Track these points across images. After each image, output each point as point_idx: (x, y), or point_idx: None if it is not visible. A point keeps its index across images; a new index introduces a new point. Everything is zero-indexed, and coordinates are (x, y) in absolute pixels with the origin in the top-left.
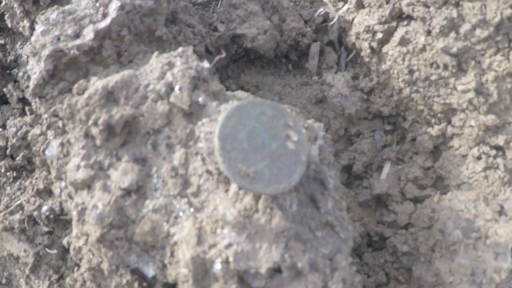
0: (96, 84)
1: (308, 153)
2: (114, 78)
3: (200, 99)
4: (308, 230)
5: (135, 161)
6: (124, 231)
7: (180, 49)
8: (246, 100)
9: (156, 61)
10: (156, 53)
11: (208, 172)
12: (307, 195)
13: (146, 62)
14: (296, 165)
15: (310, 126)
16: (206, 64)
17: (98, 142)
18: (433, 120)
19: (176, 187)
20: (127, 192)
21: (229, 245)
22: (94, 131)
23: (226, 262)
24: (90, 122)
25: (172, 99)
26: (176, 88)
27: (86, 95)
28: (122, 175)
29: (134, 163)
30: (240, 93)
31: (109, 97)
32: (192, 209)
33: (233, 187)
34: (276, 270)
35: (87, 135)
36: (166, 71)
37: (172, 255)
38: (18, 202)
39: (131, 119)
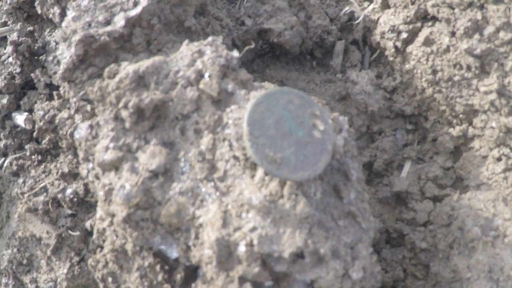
0: (127, 68)
1: (334, 143)
2: (145, 63)
3: (229, 87)
4: (330, 219)
5: (163, 144)
6: (150, 212)
7: (210, 38)
8: (275, 88)
9: (186, 49)
10: (186, 41)
11: (235, 157)
12: (331, 185)
13: (175, 51)
14: (321, 153)
15: (335, 118)
16: (235, 53)
17: (127, 125)
18: (454, 121)
19: (203, 171)
20: (154, 174)
21: (253, 229)
22: (124, 114)
23: (250, 245)
24: (120, 105)
25: (201, 85)
26: (206, 75)
27: (117, 78)
28: (150, 157)
29: (162, 147)
30: (267, 84)
31: (140, 81)
32: (218, 193)
33: (259, 173)
34: (298, 255)
35: (117, 117)
36: (196, 59)
37: (196, 237)
38: (43, 184)
39: (161, 104)
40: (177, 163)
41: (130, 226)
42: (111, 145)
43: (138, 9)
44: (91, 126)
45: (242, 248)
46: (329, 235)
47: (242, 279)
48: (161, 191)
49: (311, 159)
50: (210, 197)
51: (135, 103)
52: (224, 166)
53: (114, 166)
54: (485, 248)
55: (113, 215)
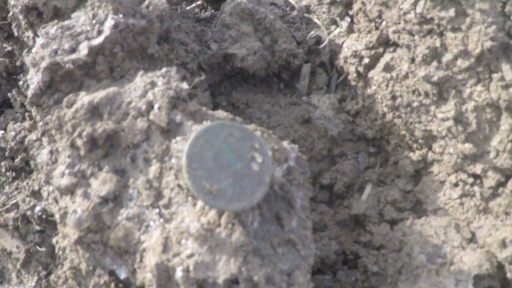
0: (83, 99)
1: (272, 175)
2: (99, 94)
3: (177, 117)
4: (269, 246)
5: (115, 172)
6: (100, 235)
7: (163, 70)
8: (216, 122)
9: (140, 80)
10: (141, 72)
11: (179, 186)
12: (273, 213)
13: None
14: (258, 185)
15: (281, 148)
16: (185, 85)
17: (82, 152)
18: (414, 145)
19: (150, 198)
20: (104, 200)
21: (191, 255)
22: (79, 142)
23: (187, 270)
24: (76, 134)
25: (151, 116)
26: (156, 106)
27: (73, 108)
28: (101, 184)
29: (114, 174)
30: (219, 113)
31: (94, 111)
32: (161, 220)
33: (200, 202)
34: (233, 282)
35: (73, 145)
36: (148, 90)
37: (141, 260)
38: (14, 201)
39: (113, 133)
40: (126, 189)
41: (82, 247)
42: (67, 171)
43: (101, 38)
44: (51, 152)
45: (179, 273)
46: (264, 262)
47: None
48: (110, 216)
49: (248, 190)
50: (154, 223)
51: (89, 132)
52: (169, 194)
53: (70, 190)
54: (429, 276)
55: (68, 236)
